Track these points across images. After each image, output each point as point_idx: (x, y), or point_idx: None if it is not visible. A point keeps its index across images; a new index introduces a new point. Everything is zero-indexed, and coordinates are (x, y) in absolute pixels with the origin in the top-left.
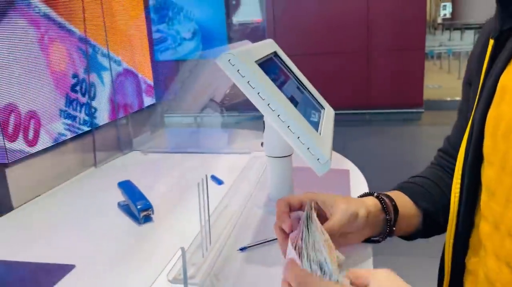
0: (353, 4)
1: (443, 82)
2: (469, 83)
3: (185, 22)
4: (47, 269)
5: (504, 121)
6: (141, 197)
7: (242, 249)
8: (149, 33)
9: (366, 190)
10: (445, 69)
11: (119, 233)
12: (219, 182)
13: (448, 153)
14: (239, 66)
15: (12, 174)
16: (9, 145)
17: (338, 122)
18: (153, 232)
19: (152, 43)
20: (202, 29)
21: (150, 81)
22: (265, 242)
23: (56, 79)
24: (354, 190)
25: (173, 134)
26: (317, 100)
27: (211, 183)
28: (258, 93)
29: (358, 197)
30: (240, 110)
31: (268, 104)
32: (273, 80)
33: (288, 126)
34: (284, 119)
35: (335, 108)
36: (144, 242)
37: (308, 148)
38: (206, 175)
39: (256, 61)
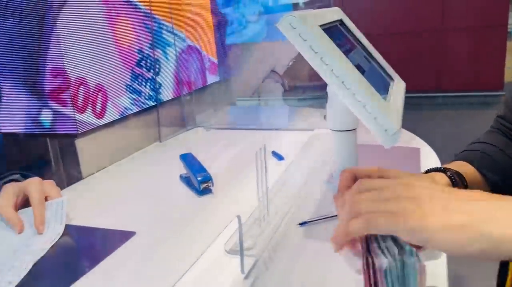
0: None
1: None
2: None
3: (251, 5)
4: (111, 235)
5: None
6: (202, 169)
7: (302, 224)
8: (214, 13)
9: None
10: None
11: (179, 204)
12: (280, 157)
13: (509, 119)
14: (301, 29)
15: (81, 145)
16: (78, 116)
17: (408, 105)
18: (212, 204)
19: (217, 23)
20: (267, 11)
21: (214, 59)
22: (326, 218)
23: (122, 54)
24: (424, 168)
25: (235, 111)
26: (386, 71)
27: (272, 159)
28: (321, 58)
29: (425, 172)
30: (303, 88)
31: (332, 70)
32: (339, 46)
33: (354, 94)
34: (349, 86)
35: (405, 91)
36: (203, 213)
37: (375, 118)
38: (264, 145)
39: (321, 25)
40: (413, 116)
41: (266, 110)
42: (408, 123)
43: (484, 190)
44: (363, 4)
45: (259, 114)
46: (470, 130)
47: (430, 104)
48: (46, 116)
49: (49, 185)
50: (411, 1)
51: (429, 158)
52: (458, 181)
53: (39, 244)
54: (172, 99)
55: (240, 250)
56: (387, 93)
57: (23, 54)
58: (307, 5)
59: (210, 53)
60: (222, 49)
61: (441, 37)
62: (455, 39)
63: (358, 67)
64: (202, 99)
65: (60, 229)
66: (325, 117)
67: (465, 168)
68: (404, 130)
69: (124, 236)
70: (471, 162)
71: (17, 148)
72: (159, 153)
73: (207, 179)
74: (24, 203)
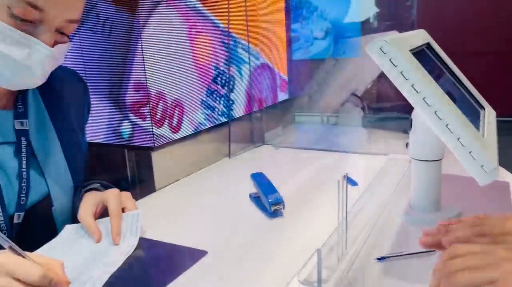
0: None
1: None
2: None
3: (318, 22)
4: (182, 252)
5: None
6: (273, 190)
7: (380, 259)
8: (287, 29)
9: None
10: None
11: (250, 225)
12: (353, 183)
13: None
14: (391, 54)
15: (157, 158)
16: (156, 130)
17: (500, 130)
18: (284, 228)
19: (289, 40)
20: (335, 27)
21: (285, 76)
22: (406, 254)
23: (200, 70)
24: None
25: (304, 130)
26: (476, 99)
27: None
28: (412, 85)
29: None
30: (380, 109)
31: (424, 98)
32: (428, 72)
33: (447, 125)
34: (442, 116)
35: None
36: (274, 237)
37: (470, 152)
38: (346, 173)
39: (411, 50)
40: (501, 144)
41: (339, 130)
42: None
43: None
44: (447, 19)
45: (330, 134)
46: None
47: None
48: (126, 128)
49: (126, 197)
50: (504, 17)
51: None
52: None
53: (115, 256)
54: (243, 116)
55: (318, 285)
56: (479, 124)
57: (110, 68)
58: (377, 21)
59: (281, 70)
60: (293, 66)
61: None
62: None
63: (449, 95)
64: (272, 117)
65: (134, 242)
66: (407, 144)
67: None
68: None
69: (197, 255)
70: None
71: (97, 157)
72: (228, 169)
73: (279, 201)
74: (103, 212)
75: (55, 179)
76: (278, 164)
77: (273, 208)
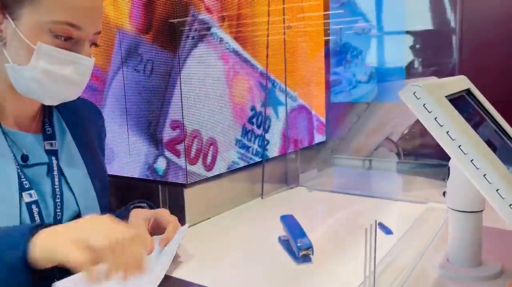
0: None
1: None
2: None
3: (362, 65)
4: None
5: None
6: (302, 234)
7: None
8: (327, 72)
9: None
10: None
11: (277, 269)
12: (388, 231)
13: None
14: (425, 99)
15: (189, 195)
16: (190, 167)
17: None
18: (311, 274)
19: (328, 82)
20: (379, 71)
21: (323, 119)
22: None
23: (236, 110)
24: None
25: (340, 173)
26: None
27: (378, 232)
28: (447, 132)
29: None
30: (418, 155)
31: (459, 146)
32: (466, 120)
33: (484, 175)
34: (479, 166)
35: None
36: (302, 284)
37: (510, 205)
38: (376, 221)
39: (447, 96)
40: None
41: (375, 175)
42: None
43: None
44: (492, 67)
45: (366, 179)
46: None
47: None
48: (160, 164)
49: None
50: None
51: None
52: None
53: (157, 270)
54: (278, 156)
55: None
56: None
57: (149, 106)
58: (421, 66)
59: (319, 112)
60: (331, 109)
61: None
62: None
63: (489, 143)
64: (307, 158)
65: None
66: (444, 193)
67: None
68: None
69: None
70: None
71: (131, 191)
72: (260, 210)
73: (308, 246)
74: (155, 227)
75: (83, 197)
76: (310, 207)
77: (301, 253)
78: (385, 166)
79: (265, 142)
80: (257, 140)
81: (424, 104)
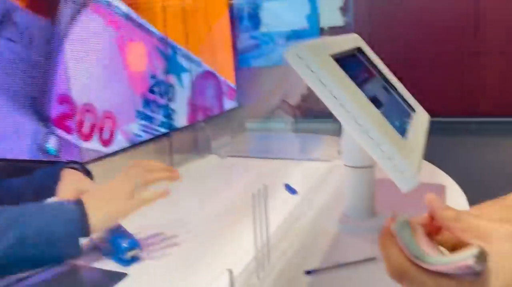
0: (460, 2)
1: None
2: None
3: (277, 29)
4: (102, 275)
5: None
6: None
7: (308, 273)
8: (233, 36)
9: (466, 209)
10: None
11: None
12: (293, 191)
13: None
14: (309, 60)
15: None
16: (84, 144)
17: (440, 131)
18: (214, 240)
19: (236, 47)
20: (295, 35)
21: (232, 84)
22: (337, 267)
23: (134, 80)
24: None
25: (253, 138)
26: (407, 102)
27: (284, 192)
28: (331, 91)
29: None
30: (316, 116)
31: (342, 105)
32: (353, 78)
33: (367, 131)
34: (361, 123)
35: (438, 115)
36: (207, 246)
37: (390, 159)
38: (265, 185)
39: (332, 55)
40: (443, 142)
41: (285, 138)
42: (437, 150)
43: None
44: (393, 28)
45: (277, 142)
46: (504, 162)
47: (465, 129)
48: (51, 143)
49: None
50: (444, 22)
51: (455, 197)
52: None
53: None
54: (187, 126)
55: None
56: (408, 128)
57: (32, 80)
58: (334, 31)
59: (228, 78)
60: (241, 74)
61: (475, 60)
62: (489, 62)
63: (374, 100)
64: (218, 126)
65: None
66: (339, 151)
67: None
68: (428, 164)
69: (117, 277)
70: None
71: (24, 174)
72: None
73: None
74: None
75: None
76: (220, 174)
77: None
78: (295, 128)
79: (171, 112)
80: (161, 110)
81: (308, 65)
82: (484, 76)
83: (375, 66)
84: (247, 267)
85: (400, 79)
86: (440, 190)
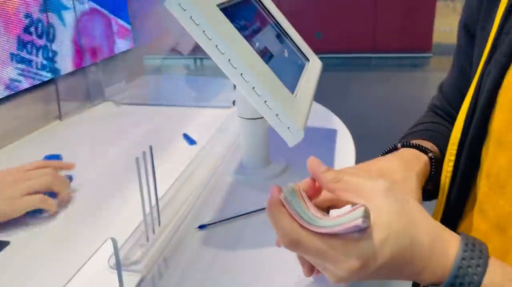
0: None
1: (456, 25)
2: (468, 29)
3: None
4: None
5: None
6: None
7: (201, 227)
8: None
9: (352, 153)
10: (459, 10)
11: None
12: (191, 141)
13: (446, 111)
14: (192, 11)
15: None
16: None
17: (342, 66)
18: (103, 201)
19: None
20: None
21: (125, 23)
22: (229, 219)
23: (3, 19)
24: (339, 153)
25: (151, 83)
26: (301, 51)
27: (183, 142)
28: (216, 45)
29: (403, 144)
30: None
31: (229, 60)
32: (243, 28)
33: (253, 88)
34: (248, 79)
35: (339, 52)
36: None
37: (276, 115)
38: (150, 147)
39: (219, 5)
40: (347, 77)
41: (188, 81)
42: (341, 85)
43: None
44: None
45: (179, 86)
46: (397, 94)
47: (365, 65)
48: None
49: None
50: None
51: (345, 141)
52: (437, 170)
53: None
54: (75, 71)
55: (117, 272)
56: (298, 80)
57: None
58: None
59: (120, 17)
60: (137, 12)
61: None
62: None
63: (264, 52)
64: (112, 69)
65: None
66: (234, 102)
67: (435, 150)
68: (323, 110)
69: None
70: (435, 142)
71: None
72: (59, 133)
73: None
74: None
75: None
76: (115, 123)
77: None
78: (192, 68)
79: (53, 54)
80: (40, 53)
81: (192, 17)
82: (382, 15)
83: (269, 14)
84: (134, 232)
85: (303, 14)
86: (332, 134)
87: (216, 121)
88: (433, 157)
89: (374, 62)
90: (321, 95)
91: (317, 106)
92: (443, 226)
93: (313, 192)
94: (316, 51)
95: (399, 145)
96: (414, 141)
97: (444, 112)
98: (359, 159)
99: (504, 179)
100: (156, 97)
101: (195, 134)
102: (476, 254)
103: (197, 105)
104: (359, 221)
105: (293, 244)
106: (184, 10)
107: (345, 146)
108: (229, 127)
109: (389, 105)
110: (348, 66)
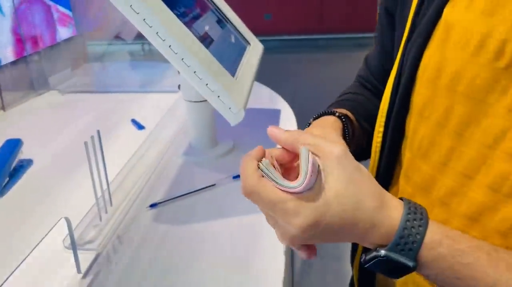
0: None
1: None
2: (388, 12)
3: None
4: None
5: (450, 68)
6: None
7: (152, 206)
8: None
9: (294, 128)
10: None
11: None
12: (140, 126)
13: (370, 82)
14: (132, 0)
15: None
16: None
17: (290, 48)
18: (60, 180)
19: None
20: None
21: (66, 10)
22: (178, 197)
23: None
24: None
25: (96, 70)
26: (242, 35)
27: (131, 128)
28: (157, 33)
29: (323, 115)
30: None
31: (170, 46)
32: (183, 15)
33: (195, 72)
34: (189, 63)
35: (287, 33)
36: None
37: (218, 96)
38: (98, 131)
39: None
40: (296, 59)
41: (134, 67)
42: (291, 67)
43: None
44: None
45: (125, 72)
46: (341, 74)
47: (312, 46)
48: None
49: None
50: None
51: (288, 120)
52: (351, 126)
53: None
54: (16, 60)
55: (73, 249)
56: (239, 63)
57: None
58: None
59: (61, 4)
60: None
61: None
62: None
63: (205, 37)
64: (56, 58)
65: None
66: (179, 86)
67: (349, 114)
68: (268, 91)
69: None
70: (353, 112)
71: None
72: (4, 124)
73: None
74: None
75: None
76: (63, 113)
77: None
78: (139, 53)
79: None
80: None
81: (131, 5)
82: None
83: (210, 0)
84: (88, 213)
85: None
86: (276, 114)
87: (163, 106)
88: (341, 115)
89: (321, 43)
90: (269, 77)
91: (261, 88)
92: (389, 193)
93: (287, 160)
94: (265, 33)
95: (311, 120)
96: (326, 110)
97: (368, 82)
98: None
99: (426, 147)
100: (102, 84)
101: (144, 119)
102: (417, 216)
103: (144, 90)
104: (312, 159)
105: (249, 192)
106: None
107: (288, 125)
108: (176, 111)
109: (336, 84)
110: (296, 48)
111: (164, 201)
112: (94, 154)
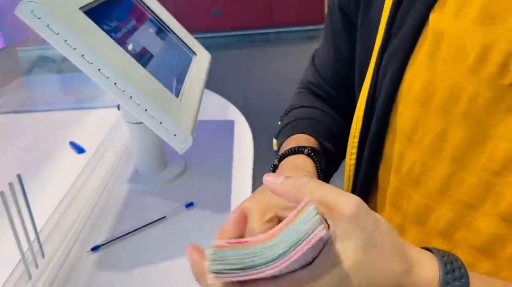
0: None
1: None
2: (345, 13)
3: None
4: None
5: (443, 85)
6: None
7: (94, 249)
8: None
9: (250, 142)
10: None
11: None
12: (80, 150)
13: (321, 88)
14: (48, 19)
15: None
16: None
17: (242, 43)
18: None
19: None
20: None
21: None
22: (124, 236)
23: None
24: (237, 143)
25: (31, 85)
26: (186, 45)
27: (70, 151)
28: (83, 55)
29: (290, 154)
30: None
31: (99, 70)
32: (114, 30)
33: (131, 97)
34: (123, 88)
35: (238, 29)
36: None
37: (160, 123)
38: (19, 175)
39: (83, 7)
40: (248, 54)
41: (71, 79)
42: (244, 63)
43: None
44: None
45: (61, 86)
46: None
47: (264, 40)
48: None
49: None
50: None
51: (242, 131)
52: (321, 160)
53: None
54: None
55: None
56: (185, 76)
57: None
58: None
59: None
60: (5, 9)
61: None
62: None
63: (143, 54)
64: None
65: None
66: (118, 107)
67: (312, 142)
68: (221, 101)
69: None
70: (314, 135)
71: None
72: None
73: None
74: None
75: None
76: None
77: None
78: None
79: None
80: None
81: (48, 25)
82: None
83: (147, 8)
84: (12, 273)
85: None
86: (229, 125)
87: (104, 123)
88: (310, 153)
89: (273, 36)
90: (220, 75)
91: (213, 97)
92: (414, 248)
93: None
94: (215, 30)
95: (276, 161)
96: (288, 148)
97: (320, 89)
98: (259, 135)
99: (417, 174)
100: (37, 101)
101: (83, 141)
102: (457, 275)
103: (82, 107)
104: (321, 233)
105: None
106: (39, 18)
107: (243, 138)
108: (119, 130)
109: (288, 77)
110: (248, 43)
111: (108, 243)
112: (15, 203)
